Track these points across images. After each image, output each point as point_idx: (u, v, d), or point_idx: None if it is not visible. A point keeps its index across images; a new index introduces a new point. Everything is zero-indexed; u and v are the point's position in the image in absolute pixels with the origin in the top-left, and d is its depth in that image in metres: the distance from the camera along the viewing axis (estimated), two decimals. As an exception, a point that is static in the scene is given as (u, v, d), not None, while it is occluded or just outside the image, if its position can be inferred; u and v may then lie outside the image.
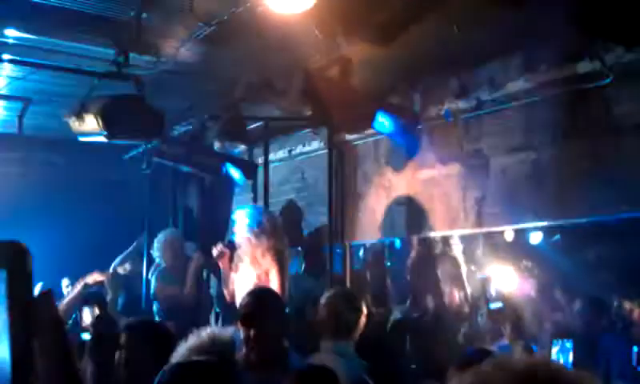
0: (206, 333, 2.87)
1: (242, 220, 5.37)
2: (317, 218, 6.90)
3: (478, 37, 4.77)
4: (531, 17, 4.53)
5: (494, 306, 5.31)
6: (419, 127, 5.86)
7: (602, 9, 4.30)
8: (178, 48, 4.62)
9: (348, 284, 6.50)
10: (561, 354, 4.06)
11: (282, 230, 5.50)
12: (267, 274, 5.20)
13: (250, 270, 5.30)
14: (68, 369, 1.54)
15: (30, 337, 1.29)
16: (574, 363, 4.64)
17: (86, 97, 4.89)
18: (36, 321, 1.33)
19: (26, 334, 1.27)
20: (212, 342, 2.81)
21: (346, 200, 6.73)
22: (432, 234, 6.05)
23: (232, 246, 5.56)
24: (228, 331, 3.13)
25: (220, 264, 5.57)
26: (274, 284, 5.11)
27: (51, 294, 1.52)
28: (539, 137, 4.99)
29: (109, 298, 5.85)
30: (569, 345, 4.06)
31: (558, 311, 5.99)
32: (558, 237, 6.71)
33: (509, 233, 6.22)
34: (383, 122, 5.52)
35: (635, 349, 4.43)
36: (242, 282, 5.34)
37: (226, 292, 5.58)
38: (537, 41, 4.82)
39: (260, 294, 3.93)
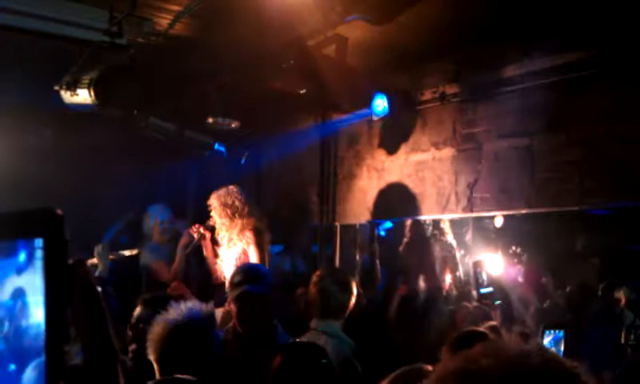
0: (185, 305, 2.85)
1: (216, 202, 5.33)
2: (306, 197, 6.89)
3: (475, 21, 4.75)
4: (528, 3, 4.51)
5: (485, 290, 5.33)
6: (413, 110, 5.84)
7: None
8: (173, 21, 4.55)
9: (337, 264, 6.50)
10: (553, 343, 4.08)
11: (257, 208, 5.47)
12: (246, 252, 5.18)
13: (229, 250, 5.28)
14: (102, 335, 1.53)
15: (66, 304, 1.27)
16: (565, 353, 4.67)
17: (77, 67, 4.82)
18: (71, 288, 1.31)
19: (61, 301, 1.25)
20: (191, 314, 2.80)
21: (337, 180, 6.71)
22: (423, 218, 6.05)
23: (211, 228, 5.51)
24: (207, 306, 3.10)
25: (203, 247, 5.54)
26: (254, 261, 5.09)
27: (85, 262, 1.49)
28: (533, 123, 4.98)
29: (98, 270, 5.79)
30: (561, 335, 4.09)
31: (547, 298, 6.02)
32: (548, 224, 6.72)
33: (499, 218, 6.23)
34: (378, 103, 5.50)
35: (623, 336, 4.46)
36: (223, 262, 5.33)
37: (212, 274, 5.57)
38: (533, 27, 4.80)
39: (250, 272, 3.93)
